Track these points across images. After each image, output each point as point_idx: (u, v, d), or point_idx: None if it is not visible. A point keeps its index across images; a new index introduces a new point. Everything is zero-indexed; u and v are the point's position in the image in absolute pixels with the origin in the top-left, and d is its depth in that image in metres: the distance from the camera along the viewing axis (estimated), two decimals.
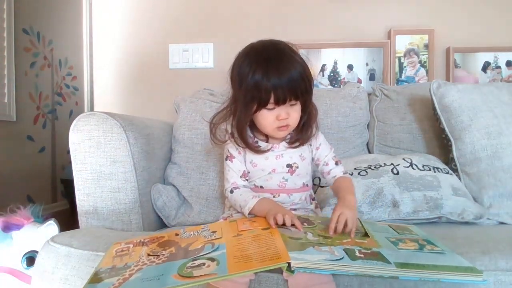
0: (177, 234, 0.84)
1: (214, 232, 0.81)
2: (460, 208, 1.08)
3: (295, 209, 0.97)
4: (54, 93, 1.71)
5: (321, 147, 0.99)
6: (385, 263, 0.65)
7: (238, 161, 0.97)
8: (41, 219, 1.07)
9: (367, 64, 1.75)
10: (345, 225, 0.79)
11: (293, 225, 0.78)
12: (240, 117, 0.92)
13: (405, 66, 1.74)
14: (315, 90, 0.97)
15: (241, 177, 0.97)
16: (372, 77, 1.75)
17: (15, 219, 1.03)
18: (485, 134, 1.18)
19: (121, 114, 1.16)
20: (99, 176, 1.07)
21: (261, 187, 0.97)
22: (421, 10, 1.75)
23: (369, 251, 0.70)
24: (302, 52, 0.93)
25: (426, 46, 1.72)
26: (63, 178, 1.71)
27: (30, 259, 0.98)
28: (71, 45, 1.83)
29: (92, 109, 1.93)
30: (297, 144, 0.96)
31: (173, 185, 1.30)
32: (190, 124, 1.39)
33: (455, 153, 1.23)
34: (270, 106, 0.87)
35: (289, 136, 0.97)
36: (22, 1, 1.50)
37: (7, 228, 1.01)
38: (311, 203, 1.03)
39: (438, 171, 1.18)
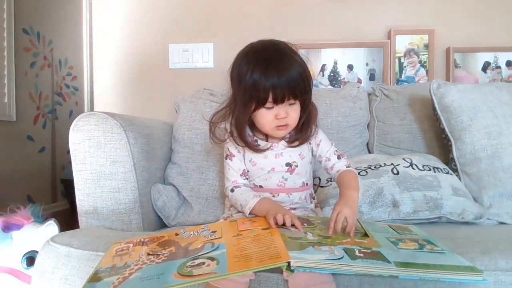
0: (177, 234, 0.84)
1: (214, 232, 0.81)
2: (460, 208, 1.08)
3: (294, 209, 0.97)
4: (54, 93, 1.71)
5: (321, 143, 0.99)
6: (385, 262, 0.65)
7: (238, 160, 0.97)
8: (41, 219, 1.07)
9: (367, 64, 1.75)
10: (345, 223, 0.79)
11: (293, 225, 0.78)
12: (239, 116, 0.92)
13: (405, 66, 1.74)
14: (315, 90, 0.97)
15: (241, 175, 0.97)
16: (372, 77, 1.75)
17: (15, 219, 1.03)
18: (485, 134, 1.18)
19: (121, 114, 1.16)
20: (99, 176, 1.07)
21: (261, 186, 0.97)
22: (421, 10, 1.75)
23: (369, 251, 0.70)
24: (302, 52, 0.93)
25: (426, 46, 1.72)
26: (63, 178, 1.71)
27: (30, 259, 0.98)
28: (71, 45, 1.83)
29: (92, 109, 1.93)
30: (296, 143, 0.96)
31: (173, 185, 1.30)
32: (190, 124, 1.39)
33: (455, 153, 1.23)
34: (268, 105, 0.87)
35: (288, 135, 0.97)
36: (22, 1, 1.50)
37: (7, 228, 1.01)
38: (311, 202, 1.03)
39: (438, 171, 1.18)
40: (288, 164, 0.96)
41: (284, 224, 0.78)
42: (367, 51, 1.74)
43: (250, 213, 0.88)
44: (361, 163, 1.23)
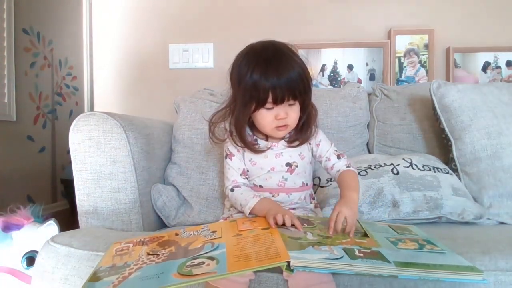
0: (177, 234, 0.84)
1: (214, 232, 0.81)
2: (460, 208, 1.08)
3: (294, 209, 0.97)
4: (54, 93, 1.71)
5: (321, 144, 0.99)
6: (384, 262, 0.65)
7: (238, 159, 0.97)
8: (41, 219, 1.07)
9: (367, 64, 1.75)
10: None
11: (293, 225, 0.78)
12: (239, 116, 0.92)
13: (405, 66, 1.74)
14: (315, 90, 0.97)
15: (241, 175, 0.97)
16: (372, 77, 1.75)
17: (15, 219, 1.03)
18: (485, 134, 1.18)
19: (121, 114, 1.16)
20: (99, 176, 1.07)
21: (261, 186, 0.97)
22: (421, 10, 1.75)
23: (368, 250, 0.70)
24: (301, 53, 0.93)
25: (426, 46, 1.72)
26: (63, 178, 1.71)
27: (30, 259, 0.98)
28: (71, 45, 1.83)
29: (92, 109, 1.93)
30: (296, 143, 0.96)
31: (173, 185, 1.30)
32: (190, 124, 1.39)
33: (455, 153, 1.23)
34: (268, 105, 0.87)
35: (288, 135, 0.97)
36: (22, 1, 1.50)
37: (7, 228, 1.01)
38: (310, 202, 1.03)
39: (438, 171, 1.18)
40: (288, 164, 0.96)
41: (284, 224, 0.78)
42: (367, 51, 1.74)
43: (250, 213, 0.88)
44: (361, 163, 1.23)
